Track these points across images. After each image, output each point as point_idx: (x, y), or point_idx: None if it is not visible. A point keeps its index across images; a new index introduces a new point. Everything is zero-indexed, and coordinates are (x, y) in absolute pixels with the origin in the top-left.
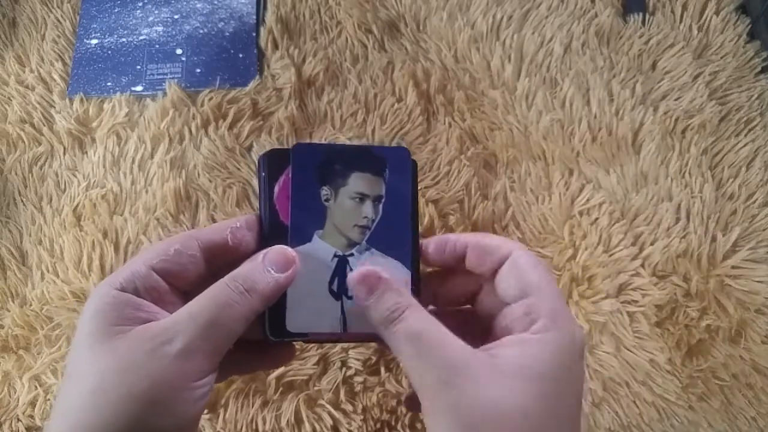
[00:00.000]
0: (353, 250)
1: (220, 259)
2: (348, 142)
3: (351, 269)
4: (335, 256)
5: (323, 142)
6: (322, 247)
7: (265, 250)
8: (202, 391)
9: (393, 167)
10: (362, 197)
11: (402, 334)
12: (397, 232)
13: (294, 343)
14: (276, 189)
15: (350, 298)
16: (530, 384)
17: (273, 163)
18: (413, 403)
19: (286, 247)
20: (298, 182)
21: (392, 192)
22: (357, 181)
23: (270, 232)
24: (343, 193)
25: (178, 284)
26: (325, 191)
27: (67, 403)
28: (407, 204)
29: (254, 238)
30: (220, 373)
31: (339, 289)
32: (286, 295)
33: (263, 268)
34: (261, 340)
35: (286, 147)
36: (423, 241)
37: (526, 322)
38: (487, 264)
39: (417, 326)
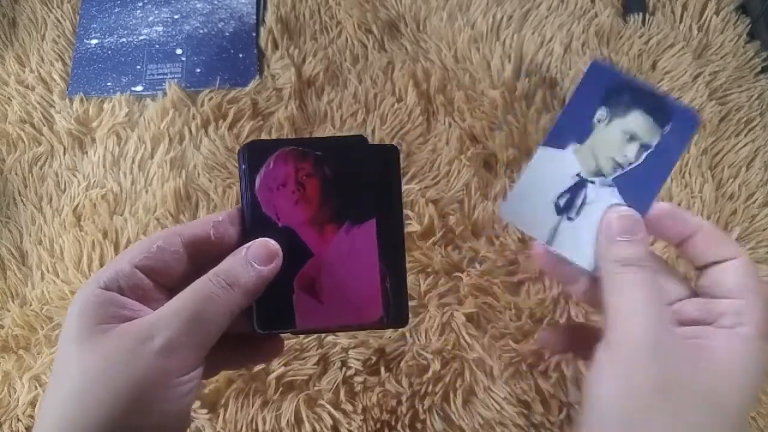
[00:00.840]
0: (597, 179)
1: (204, 254)
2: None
3: (586, 196)
4: (578, 175)
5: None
6: (570, 160)
7: (248, 244)
8: (187, 388)
9: (676, 126)
10: (633, 137)
11: (637, 279)
12: (645, 187)
13: (282, 336)
14: (257, 181)
15: (570, 219)
16: (738, 378)
17: (254, 155)
18: (552, 341)
19: (268, 239)
20: (583, 93)
21: (663, 149)
22: (636, 119)
23: (252, 225)
24: (617, 124)
25: (162, 281)
26: (601, 112)
27: (52, 403)
28: (669, 167)
29: (237, 232)
30: (211, 369)
31: (564, 206)
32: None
33: (245, 262)
34: (250, 335)
35: (266, 139)
36: (656, 204)
37: (733, 320)
38: (712, 256)
39: (653, 282)
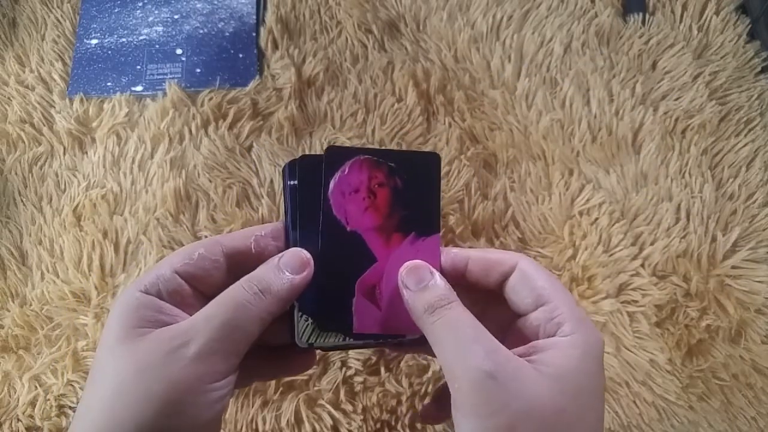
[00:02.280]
0: None
1: (243, 266)
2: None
3: None
4: None
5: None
6: None
7: (281, 253)
8: (219, 394)
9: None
10: None
11: (448, 321)
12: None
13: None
14: (331, 184)
15: None
16: (566, 385)
17: (331, 159)
18: (430, 414)
19: (301, 249)
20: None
21: None
22: None
23: (323, 226)
24: None
25: (202, 288)
26: None
27: (87, 404)
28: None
29: (278, 247)
30: (244, 378)
31: None
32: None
33: (278, 270)
34: (283, 347)
35: (343, 146)
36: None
37: (551, 326)
38: (492, 276)
39: (464, 316)
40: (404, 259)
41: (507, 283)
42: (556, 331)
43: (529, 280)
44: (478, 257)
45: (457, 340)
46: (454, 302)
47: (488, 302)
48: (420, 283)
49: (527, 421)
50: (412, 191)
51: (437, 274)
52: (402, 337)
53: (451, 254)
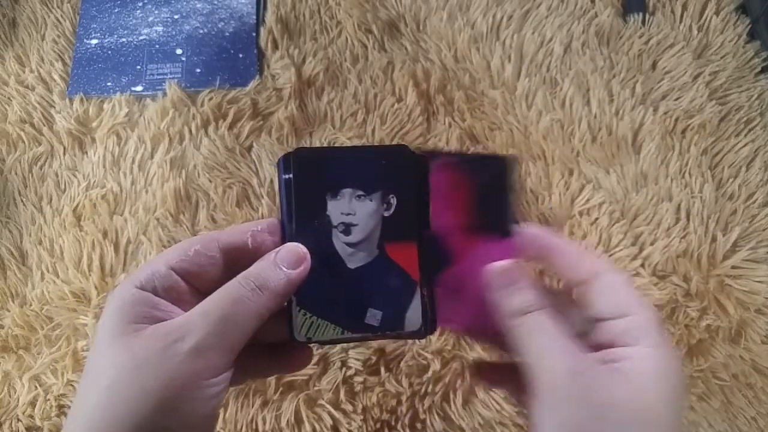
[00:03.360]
0: None
1: (240, 262)
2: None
3: None
4: None
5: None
6: None
7: (277, 249)
8: (215, 390)
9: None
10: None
11: (536, 323)
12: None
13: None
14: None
15: None
16: (645, 393)
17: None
18: (485, 373)
19: (297, 244)
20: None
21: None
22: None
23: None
24: None
25: (198, 284)
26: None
27: (83, 399)
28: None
29: (274, 242)
30: (240, 375)
31: None
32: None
33: (275, 266)
34: (277, 344)
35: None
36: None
37: (632, 337)
38: (576, 273)
39: (552, 322)
40: (486, 260)
41: (592, 288)
42: (637, 342)
43: (615, 289)
44: (569, 251)
45: (546, 340)
46: (545, 308)
47: (565, 304)
48: (511, 285)
49: (604, 418)
50: (486, 194)
51: (530, 278)
52: (401, 330)
53: (542, 238)
